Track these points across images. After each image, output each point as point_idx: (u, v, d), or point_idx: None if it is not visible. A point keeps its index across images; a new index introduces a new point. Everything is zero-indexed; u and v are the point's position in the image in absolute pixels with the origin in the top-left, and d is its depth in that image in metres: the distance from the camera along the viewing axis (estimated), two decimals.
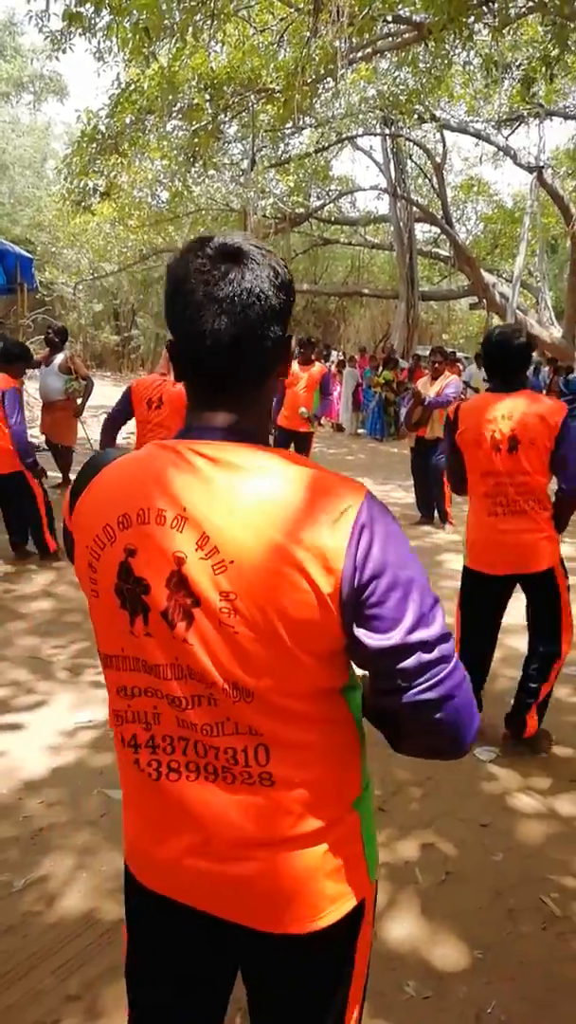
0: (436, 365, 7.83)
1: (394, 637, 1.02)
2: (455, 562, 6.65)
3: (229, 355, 1.08)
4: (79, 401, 8.54)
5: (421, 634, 1.03)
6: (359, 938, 1.19)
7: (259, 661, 1.03)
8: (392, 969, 2.27)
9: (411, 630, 1.02)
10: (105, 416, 5.80)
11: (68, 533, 1.22)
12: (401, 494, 9.69)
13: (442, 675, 1.03)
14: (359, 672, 1.18)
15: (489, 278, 19.08)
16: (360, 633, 1.03)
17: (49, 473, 6.52)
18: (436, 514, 8.13)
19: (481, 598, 3.61)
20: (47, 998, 2.15)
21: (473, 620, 3.66)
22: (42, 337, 9.43)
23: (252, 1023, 1.27)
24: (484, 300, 19.49)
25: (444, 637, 1.05)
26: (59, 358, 8.40)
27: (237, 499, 1.04)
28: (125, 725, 1.15)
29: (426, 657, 1.02)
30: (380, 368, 15.89)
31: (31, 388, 10.74)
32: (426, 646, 1.03)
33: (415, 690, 1.02)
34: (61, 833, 2.88)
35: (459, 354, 20.09)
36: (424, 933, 2.43)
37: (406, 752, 1.17)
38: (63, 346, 8.66)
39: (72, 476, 8.46)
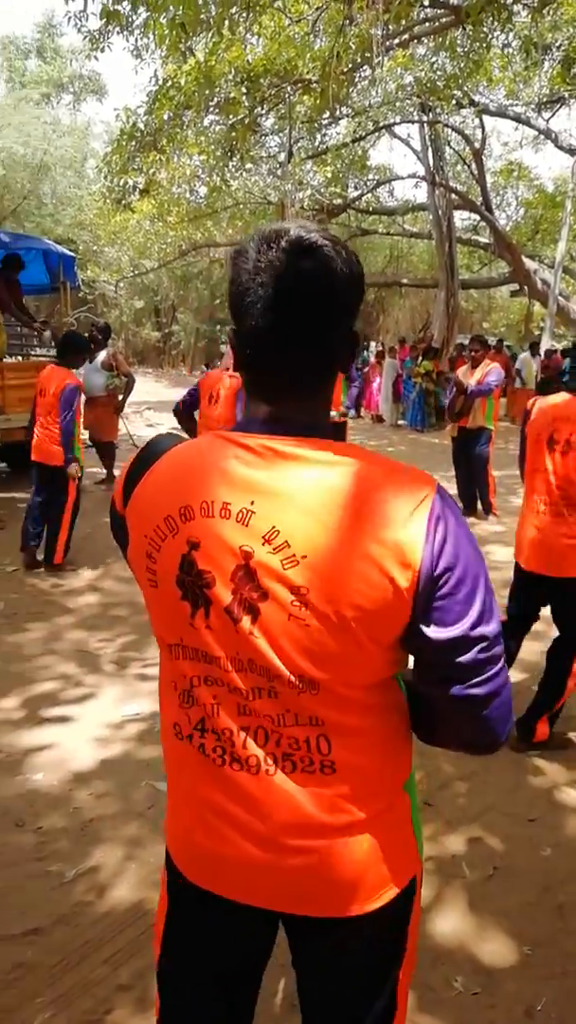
0: (474, 354, 7.72)
1: (458, 629, 1.02)
2: (498, 553, 6.58)
3: (299, 350, 1.08)
4: (120, 397, 8.66)
5: (483, 629, 1.03)
6: (412, 914, 1.22)
7: (327, 653, 1.03)
8: (441, 964, 2.27)
9: (475, 625, 1.02)
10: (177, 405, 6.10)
11: (119, 518, 1.21)
12: (443, 485, 9.59)
13: (492, 672, 1.04)
14: None
15: (530, 264, 18.74)
16: (426, 626, 1.03)
17: (91, 469, 6.57)
18: (480, 505, 8.02)
19: (518, 589, 3.65)
20: (99, 988, 2.18)
21: (512, 609, 3.70)
22: (85, 335, 9.67)
23: (304, 1003, 1.27)
24: (526, 287, 19.16)
25: (500, 636, 1.05)
26: (102, 355, 8.59)
27: (307, 493, 1.03)
28: (184, 711, 1.15)
29: (482, 655, 1.03)
30: (420, 358, 15.74)
31: None
32: (486, 641, 1.03)
33: (465, 684, 1.03)
34: (110, 824, 2.92)
35: (505, 343, 19.83)
36: (472, 928, 2.42)
37: (435, 743, 1.19)
38: (106, 343, 8.81)
39: (117, 471, 8.57)
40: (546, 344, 16.29)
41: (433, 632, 1.02)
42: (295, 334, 1.07)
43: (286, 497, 1.03)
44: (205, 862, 1.17)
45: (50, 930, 2.39)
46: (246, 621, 1.05)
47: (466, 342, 12.19)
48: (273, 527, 1.03)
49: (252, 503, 1.04)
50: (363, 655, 1.04)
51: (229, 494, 1.06)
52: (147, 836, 2.84)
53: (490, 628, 1.04)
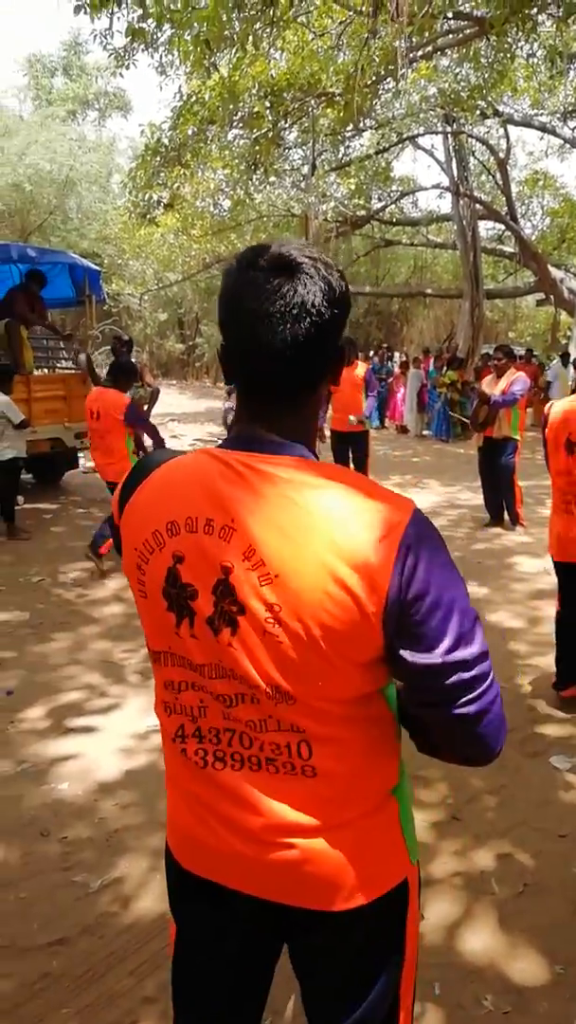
0: (498, 363, 7.67)
1: (435, 656, 1.04)
2: (526, 564, 6.52)
3: (280, 368, 1.10)
4: (145, 407, 8.75)
5: (462, 653, 1.05)
6: (408, 918, 1.23)
7: (300, 669, 1.06)
8: (470, 982, 2.23)
9: (452, 650, 1.05)
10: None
11: (116, 529, 1.25)
12: (469, 495, 9.53)
13: (480, 691, 1.06)
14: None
15: (557, 273, 18.61)
16: (403, 651, 1.05)
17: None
18: (507, 515, 7.95)
19: (560, 578, 3.93)
20: (124, 1000, 2.17)
21: (565, 597, 3.95)
22: (109, 347, 9.99)
23: (307, 1006, 1.29)
24: (552, 296, 19.04)
25: (483, 656, 1.07)
26: None
27: (283, 513, 1.05)
28: (173, 716, 1.20)
29: (466, 676, 1.05)
30: (444, 368, 15.68)
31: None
32: (466, 665, 1.05)
33: (454, 706, 1.06)
34: (135, 835, 2.91)
35: (536, 352, 19.67)
36: (502, 946, 2.38)
37: (435, 756, 1.21)
38: (130, 355, 9.16)
39: None
40: (575, 353, 16.16)
41: (410, 657, 1.05)
42: (276, 351, 1.08)
43: (264, 516, 1.06)
44: (199, 851, 1.20)
45: (75, 941, 2.39)
46: (226, 633, 1.09)
47: (491, 352, 12.13)
48: (251, 544, 1.05)
49: (233, 520, 1.07)
50: (336, 673, 1.06)
51: (212, 510, 1.09)
52: None
53: (469, 651, 1.05)
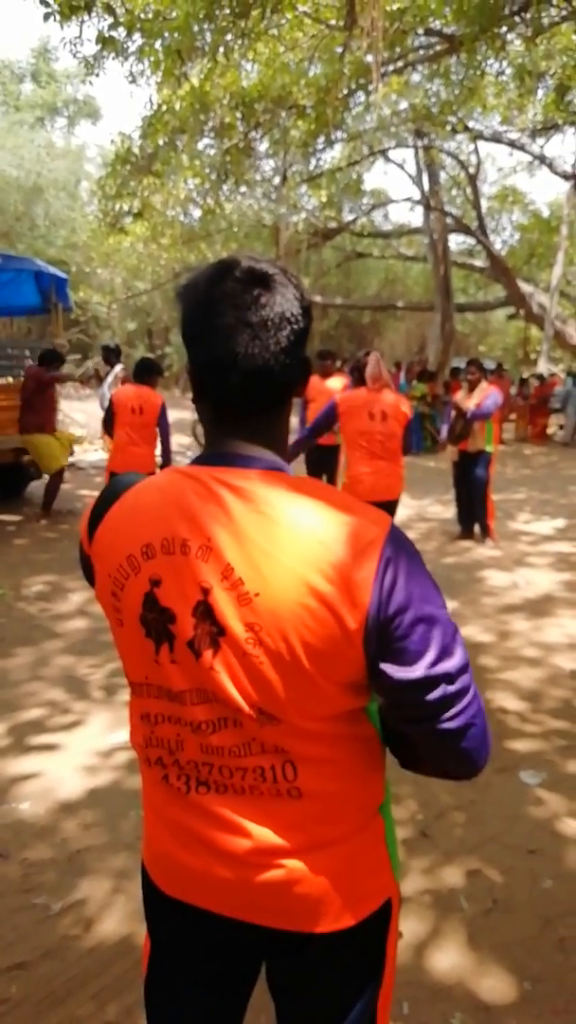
0: (470, 377, 7.73)
1: (418, 670, 1.03)
2: (496, 578, 6.55)
3: (258, 380, 1.09)
4: None
5: (444, 666, 1.04)
6: (388, 937, 1.22)
7: (283, 689, 1.04)
8: (439, 1000, 2.20)
9: (435, 663, 1.04)
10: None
11: (85, 556, 1.22)
12: (439, 509, 9.57)
13: (464, 705, 1.05)
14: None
15: (526, 288, 18.90)
16: (385, 666, 1.04)
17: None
18: (477, 529, 7.98)
19: None
20: None
21: None
22: (78, 356, 10.45)
23: None
24: (522, 311, 19.31)
25: (464, 668, 1.06)
26: (114, 374, 9.68)
27: (260, 530, 1.04)
28: (150, 749, 1.18)
29: (450, 689, 1.04)
30: (415, 381, 15.79)
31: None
32: (449, 678, 1.04)
33: (439, 720, 1.05)
34: (97, 856, 2.85)
35: (506, 367, 19.84)
36: (471, 964, 2.35)
37: (416, 771, 1.20)
38: (119, 362, 9.99)
39: None
40: (543, 368, 16.38)
41: (394, 672, 1.04)
42: (253, 364, 1.07)
43: (240, 534, 1.04)
44: (178, 874, 1.18)
45: (36, 965, 2.33)
46: (207, 655, 1.07)
47: (462, 366, 12.23)
48: (229, 564, 1.04)
49: (210, 540, 1.06)
50: (319, 692, 1.05)
51: (188, 531, 1.07)
52: (136, 868, 2.76)
53: (452, 663, 1.05)
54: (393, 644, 1.03)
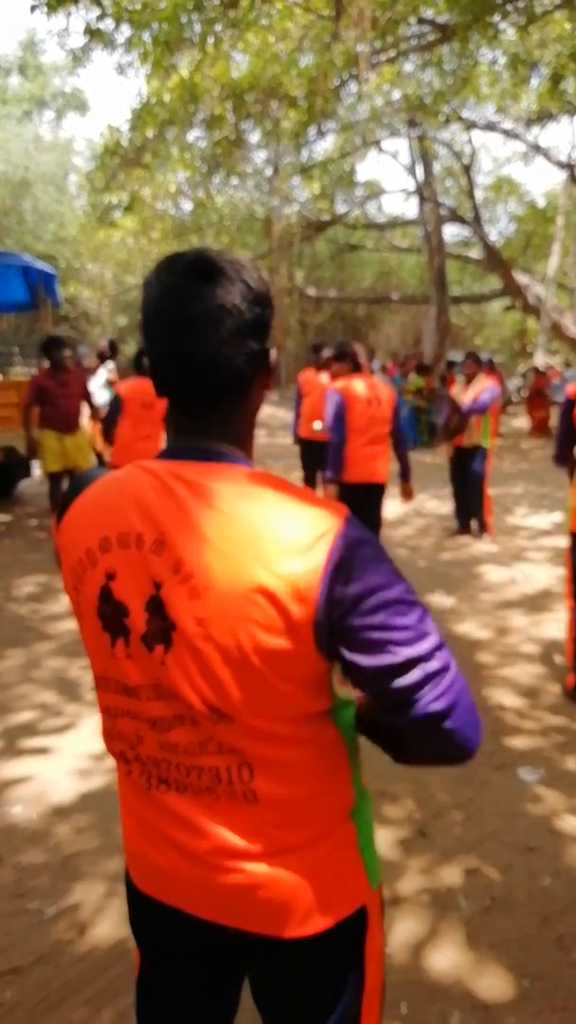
0: (467, 371, 7.68)
1: (388, 656, 1.02)
2: (493, 574, 6.52)
3: (206, 373, 1.08)
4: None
5: (417, 648, 1.03)
6: (366, 945, 1.20)
7: (234, 687, 1.03)
8: (437, 1000, 2.20)
9: (404, 645, 1.03)
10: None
11: (57, 551, 1.23)
12: (435, 504, 9.52)
13: (445, 684, 1.03)
14: (352, 693, 1.19)
15: (523, 279, 18.81)
16: (354, 656, 1.03)
17: None
18: (474, 524, 7.93)
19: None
20: None
21: None
22: (98, 352, 10.62)
23: None
24: (518, 302, 19.24)
25: (439, 646, 1.05)
26: (104, 374, 9.52)
27: (212, 525, 1.04)
28: (113, 742, 1.18)
29: (429, 668, 1.03)
30: (410, 375, 15.71)
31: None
32: (424, 659, 1.03)
33: (421, 703, 1.03)
34: (91, 860, 2.83)
35: (500, 361, 19.78)
36: (469, 962, 2.34)
37: (412, 763, 1.18)
38: (115, 357, 9.95)
39: None
40: (540, 360, 16.32)
41: (364, 661, 1.03)
42: (198, 357, 1.07)
43: (192, 527, 1.04)
44: (149, 871, 1.18)
45: (30, 970, 2.32)
46: (159, 650, 1.07)
47: (458, 359, 12.18)
48: (180, 558, 1.04)
49: (163, 534, 1.06)
50: (272, 690, 1.04)
51: (143, 525, 1.08)
52: None
53: (424, 645, 1.03)
54: (357, 634, 1.02)
